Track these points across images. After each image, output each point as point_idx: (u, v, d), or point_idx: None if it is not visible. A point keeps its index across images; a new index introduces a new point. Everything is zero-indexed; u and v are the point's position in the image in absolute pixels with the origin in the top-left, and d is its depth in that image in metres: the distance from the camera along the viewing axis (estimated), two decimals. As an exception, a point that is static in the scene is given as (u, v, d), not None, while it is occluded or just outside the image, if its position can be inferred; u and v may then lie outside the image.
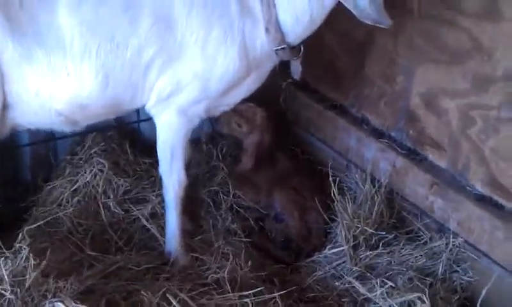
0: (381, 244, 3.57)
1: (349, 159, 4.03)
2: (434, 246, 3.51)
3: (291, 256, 3.75)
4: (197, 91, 3.28)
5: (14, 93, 3.04)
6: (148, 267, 3.40)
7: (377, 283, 3.26)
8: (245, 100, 3.80)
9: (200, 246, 3.62)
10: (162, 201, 3.59)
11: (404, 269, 3.43)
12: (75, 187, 3.71)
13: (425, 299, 3.11)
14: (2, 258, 2.81)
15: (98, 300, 3.03)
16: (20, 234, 3.04)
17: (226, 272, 3.27)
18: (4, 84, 2.99)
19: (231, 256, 3.41)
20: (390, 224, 3.69)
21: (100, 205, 3.69)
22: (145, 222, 3.68)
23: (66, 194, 3.69)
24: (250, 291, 3.12)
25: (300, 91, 4.40)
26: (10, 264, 2.80)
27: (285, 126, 4.44)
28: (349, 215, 3.56)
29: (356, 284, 3.29)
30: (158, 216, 3.74)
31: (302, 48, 3.40)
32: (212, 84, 3.28)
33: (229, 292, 3.14)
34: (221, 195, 3.99)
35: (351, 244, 3.52)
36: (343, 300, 3.35)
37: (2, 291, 2.71)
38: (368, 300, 3.26)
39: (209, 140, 4.31)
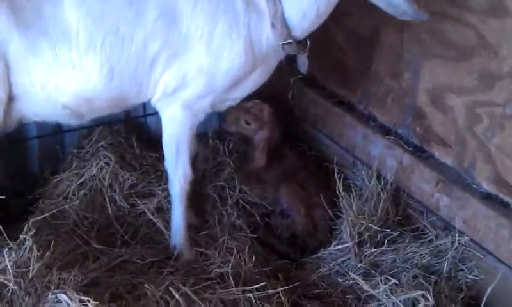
0: (386, 241, 3.56)
1: (356, 156, 4.02)
2: (440, 244, 3.49)
3: (296, 252, 3.75)
4: (202, 85, 3.29)
5: (20, 84, 3.06)
6: (152, 260, 3.42)
7: (381, 280, 3.26)
8: (252, 97, 3.83)
9: (205, 241, 3.63)
10: (168, 195, 3.61)
11: (409, 267, 3.42)
12: (81, 180, 3.73)
13: (429, 297, 3.10)
14: (6, 249, 2.83)
15: (102, 292, 3.06)
16: (26, 226, 3.04)
17: (230, 267, 3.29)
18: (10, 75, 3.02)
19: (235, 251, 3.41)
20: (395, 221, 3.68)
21: (106, 199, 3.71)
22: (151, 216, 3.70)
23: (72, 187, 3.71)
24: (253, 286, 3.13)
25: (308, 88, 4.40)
26: (14, 255, 2.81)
27: (293, 123, 4.44)
28: (353, 212, 3.55)
29: (360, 281, 3.28)
30: (164, 210, 3.75)
31: (308, 43, 3.39)
32: (218, 79, 3.29)
33: (232, 287, 3.15)
34: (228, 190, 4.00)
35: (356, 241, 3.51)
36: (347, 297, 3.34)
37: (6, 282, 2.73)
38: (371, 297, 3.25)
39: (216, 135, 4.31)
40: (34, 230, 3.00)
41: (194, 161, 3.82)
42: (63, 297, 2.69)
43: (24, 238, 2.90)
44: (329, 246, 3.67)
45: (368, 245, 3.53)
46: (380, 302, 3.19)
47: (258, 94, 3.91)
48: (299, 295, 3.32)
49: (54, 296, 2.72)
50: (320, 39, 4.03)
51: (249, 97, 3.83)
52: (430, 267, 3.43)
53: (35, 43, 3.00)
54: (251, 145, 4.09)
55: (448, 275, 3.39)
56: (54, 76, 3.06)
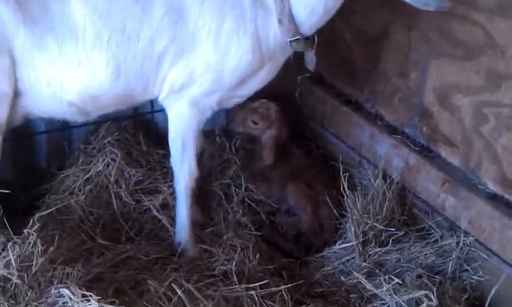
0: (390, 241, 3.55)
1: (362, 155, 4.02)
2: (445, 244, 3.48)
3: (300, 251, 3.75)
4: (209, 82, 3.29)
5: (26, 79, 3.07)
6: (157, 257, 3.43)
7: (385, 279, 3.25)
8: (260, 95, 3.83)
9: (209, 238, 3.63)
10: (174, 192, 3.61)
11: (413, 267, 3.41)
12: (87, 175, 3.74)
13: (432, 297, 3.09)
14: (11, 243, 2.84)
15: (106, 288, 3.07)
16: (31, 220, 3.06)
17: (233, 265, 3.29)
18: (16, 70, 3.03)
19: (239, 249, 3.42)
20: (400, 221, 3.67)
21: (112, 195, 3.72)
22: (156, 213, 3.71)
23: (78, 183, 3.72)
24: (257, 284, 3.13)
25: (316, 86, 4.40)
26: (18, 249, 2.83)
27: (300, 121, 4.44)
28: (358, 211, 3.54)
29: (363, 280, 3.27)
30: (169, 207, 3.75)
31: (316, 39, 3.38)
32: (225, 76, 3.29)
33: (236, 284, 3.15)
34: (233, 188, 3.99)
35: (360, 240, 3.50)
36: (351, 296, 3.34)
37: (9, 276, 2.75)
38: (375, 296, 3.25)
39: (223, 132, 4.31)
40: (39, 225, 3.01)
41: (200, 158, 3.82)
42: (65, 291, 2.72)
43: (28, 233, 2.90)
44: (334, 245, 3.66)
45: (372, 244, 3.53)
46: (383, 302, 3.18)
47: (266, 93, 3.91)
48: (303, 294, 3.32)
49: (56, 291, 2.74)
50: (328, 37, 4.04)
51: (257, 96, 3.84)
52: (434, 267, 3.42)
53: (41, 39, 3.01)
54: (259, 144, 4.09)
55: (453, 275, 3.38)
56: (59, 72, 3.07)
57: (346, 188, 3.63)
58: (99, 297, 2.70)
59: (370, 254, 3.49)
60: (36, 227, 2.94)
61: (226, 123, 4.33)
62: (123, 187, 3.77)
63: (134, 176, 3.82)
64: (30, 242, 2.87)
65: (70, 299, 2.69)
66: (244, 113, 4.03)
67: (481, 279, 3.34)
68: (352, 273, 3.42)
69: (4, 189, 3.12)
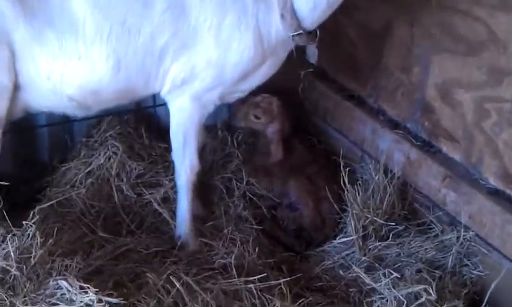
0: (391, 235, 3.55)
1: (364, 150, 4.01)
2: (445, 239, 3.48)
3: (301, 245, 3.75)
4: (211, 78, 3.29)
5: (25, 73, 3.07)
6: (157, 250, 3.43)
7: (384, 273, 3.25)
8: (262, 90, 3.83)
9: (210, 232, 3.64)
10: (175, 185, 3.61)
11: (413, 261, 3.41)
12: (88, 169, 3.74)
13: (431, 291, 3.09)
14: (10, 235, 2.85)
15: (106, 280, 3.08)
16: (31, 213, 3.07)
17: (233, 258, 3.29)
18: (15, 64, 3.03)
19: (239, 242, 3.42)
20: (401, 215, 3.67)
21: (113, 188, 3.72)
22: (157, 206, 3.71)
23: (80, 176, 3.72)
24: (255, 277, 3.13)
25: (318, 81, 4.39)
26: (17, 241, 2.84)
27: (303, 116, 4.43)
28: (358, 205, 3.53)
29: (362, 274, 3.27)
30: (170, 201, 3.76)
31: (318, 33, 3.36)
32: (227, 71, 3.28)
33: (235, 277, 3.15)
34: (235, 182, 3.99)
35: (361, 234, 3.51)
36: (350, 290, 3.34)
37: (8, 268, 2.75)
38: (374, 290, 3.25)
39: (225, 127, 4.31)
40: (38, 217, 3.01)
41: (202, 152, 3.82)
42: (63, 283, 2.72)
43: (27, 225, 2.91)
44: (335, 239, 3.66)
45: (373, 238, 3.53)
46: (382, 296, 3.18)
47: (268, 88, 3.91)
48: (302, 287, 3.32)
49: (55, 282, 2.74)
50: (331, 33, 4.05)
51: (260, 90, 3.84)
52: (435, 262, 3.42)
53: (41, 32, 3.01)
54: (263, 138, 4.08)
55: (453, 270, 3.38)
56: (59, 66, 3.07)
57: (347, 182, 3.63)
58: (97, 289, 2.70)
59: (370, 249, 3.49)
60: (35, 219, 2.94)
61: (228, 117, 4.33)
62: (125, 180, 3.77)
63: (136, 169, 3.82)
64: (29, 234, 2.87)
65: (68, 290, 2.70)
66: (246, 108, 4.03)
67: (481, 274, 3.34)
68: (352, 267, 3.41)
69: (6, 182, 3.13)
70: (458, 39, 3.43)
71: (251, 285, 3.08)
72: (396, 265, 3.40)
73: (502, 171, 3.29)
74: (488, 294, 3.18)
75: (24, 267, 2.79)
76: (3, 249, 2.82)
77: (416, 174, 3.68)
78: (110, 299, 2.71)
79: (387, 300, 3.14)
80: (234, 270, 3.20)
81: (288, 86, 4.31)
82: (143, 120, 4.18)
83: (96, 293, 2.69)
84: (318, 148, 4.28)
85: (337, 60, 4.30)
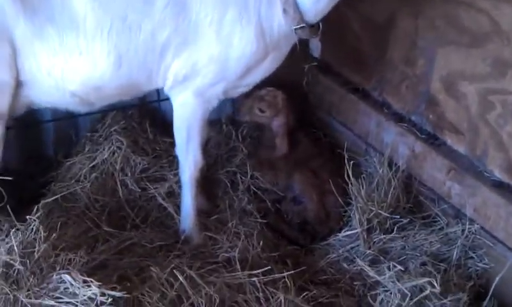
0: (395, 228, 3.54)
1: (369, 143, 4.00)
2: (450, 232, 3.47)
3: (306, 239, 3.74)
4: (213, 73, 3.28)
5: (27, 69, 3.07)
6: (161, 244, 3.44)
7: (388, 266, 3.24)
8: (267, 84, 3.83)
9: (215, 225, 3.64)
10: (180, 180, 3.61)
11: (418, 254, 3.40)
12: (93, 163, 3.75)
13: (435, 284, 3.08)
14: (13, 230, 2.86)
15: (110, 274, 3.09)
16: (35, 207, 3.07)
17: (237, 252, 3.29)
18: (17, 60, 3.04)
19: (243, 236, 3.42)
20: (406, 208, 3.65)
21: (118, 182, 3.73)
22: (161, 201, 3.72)
23: (84, 171, 3.73)
24: (259, 270, 3.13)
25: (323, 75, 4.38)
26: (21, 236, 2.85)
27: (307, 110, 4.43)
28: (363, 198, 3.52)
29: (366, 267, 3.27)
30: (175, 195, 3.76)
31: (321, 26, 3.34)
32: (229, 67, 3.27)
33: (239, 271, 3.15)
34: (239, 176, 3.99)
35: (365, 227, 3.50)
36: (355, 283, 3.34)
37: (12, 262, 2.77)
38: (378, 283, 3.24)
39: (230, 121, 4.30)
40: (42, 212, 3.03)
41: (206, 147, 3.83)
42: (66, 277, 2.73)
43: (31, 219, 2.92)
44: (339, 232, 3.66)
45: (377, 232, 3.52)
46: (386, 289, 3.17)
47: (273, 81, 3.91)
48: (306, 281, 3.32)
49: (58, 276, 2.75)
50: (336, 26, 4.03)
51: (264, 84, 3.84)
52: (439, 255, 3.41)
53: (42, 28, 3.00)
54: (268, 132, 4.08)
55: (458, 263, 3.37)
56: (60, 61, 3.06)
57: (351, 176, 3.61)
58: (100, 283, 2.71)
59: (374, 242, 3.48)
60: (39, 214, 2.95)
61: (232, 112, 4.32)
62: (129, 174, 3.78)
63: (140, 164, 3.83)
64: (33, 229, 2.88)
65: (71, 284, 2.71)
66: (250, 101, 4.02)
67: (486, 266, 3.32)
68: (356, 261, 3.41)
69: (11, 177, 3.14)
70: (462, 31, 3.41)
71: (255, 278, 3.08)
72: (401, 258, 3.39)
73: (507, 163, 3.28)
74: (492, 287, 3.18)
75: (28, 261, 2.80)
76: (7, 243, 2.82)
77: (421, 167, 3.67)
78: (113, 293, 2.72)
79: (391, 293, 3.13)
80: (238, 263, 3.20)
81: (292, 79, 4.30)
82: (147, 115, 4.19)
83: (99, 286, 2.70)
84: (323, 142, 4.28)
85: (342, 53, 4.28)
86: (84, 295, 2.68)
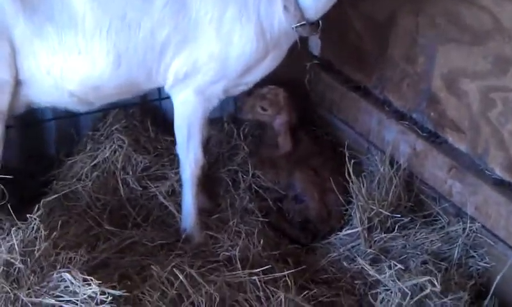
0: (396, 227, 3.53)
1: (370, 141, 3.99)
2: (451, 230, 3.46)
3: (307, 237, 3.74)
4: (213, 72, 3.28)
5: (26, 68, 3.07)
6: (162, 243, 3.44)
7: (388, 265, 3.23)
8: (269, 82, 3.83)
9: (216, 224, 3.64)
10: (181, 178, 3.61)
11: (419, 253, 3.40)
12: (94, 162, 3.75)
13: (436, 283, 3.07)
14: (14, 228, 2.86)
15: (111, 273, 3.09)
16: (36, 206, 3.08)
17: (237, 250, 3.29)
18: (16, 59, 3.04)
19: (243, 234, 3.42)
20: (407, 207, 3.65)
21: (119, 181, 3.73)
22: (162, 200, 3.72)
23: (85, 169, 3.73)
24: (260, 269, 3.13)
25: (324, 73, 4.37)
26: (21, 234, 2.85)
27: (309, 108, 4.42)
28: (363, 197, 3.52)
29: (366, 266, 3.27)
30: (176, 193, 3.76)
31: (321, 23, 3.33)
32: (229, 65, 3.27)
33: (239, 270, 3.15)
34: (241, 174, 3.99)
35: (366, 226, 3.49)
36: (356, 282, 3.34)
37: (12, 260, 2.77)
38: (379, 282, 3.24)
39: (231, 119, 4.30)
40: (44, 211, 3.02)
41: (207, 145, 3.83)
42: (66, 276, 2.73)
43: (32, 218, 2.92)
44: (340, 231, 3.66)
45: (378, 230, 3.51)
46: (387, 288, 3.17)
47: (275, 79, 3.91)
48: (307, 280, 3.32)
49: (58, 275, 2.75)
50: (337, 24, 4.03)
51: (266, 82, 3.84)
52: (440, 254, 3.41)
53: (41, 27, 3.00)
54: (270, 131, 4.07)
55: (459, 262, 3.37)
56: (59, 60, 3.06)
57: (352, 174, 3.60)
58: (100, 281, 2.71)
59: (375, 241, 3.48)
60: (39, 212, 2.94)
61: (234, 110, 4.32)
62: (130, 173, 3.78)
63: (141, 162, 3.83)
64: (33, 227, 2.88)
65: (72, 283, 2.71)
66: (252, 100, 4.02)
67: (487, 265, 3.32)
68: (357, 259, 3.40)
69: (13, 176, 3.15)
70: (463, 29, 3.40)
71: (255, 277, 3.08)
72: (401, 257, 3.39)
73: (508, 161, 3.27)
74: (493, 285, 3.18)
75: (28, 259, 2.80)
76: (8, 242, 2.82)
77: (422, 165, 3.66)
78: (113, 291, 2.72)
79: (391, 292, 3.13)
80: (239, 262, 3.20)
81: (294, 77, 4.30)
82: (148, 113, 4.18)
83: (99, 285, 2.70)
84: (324, 140, 4.27)
85: (343, 51, 4.28)
86: (84, 294, 2.67)
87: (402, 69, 3.84)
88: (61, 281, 2.74)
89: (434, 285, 3.06)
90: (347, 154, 3.65)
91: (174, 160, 3.87)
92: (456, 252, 3.37)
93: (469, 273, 3.34)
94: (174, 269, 3.00)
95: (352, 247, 3.52)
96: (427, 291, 3.06)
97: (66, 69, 3.09)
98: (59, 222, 3.13)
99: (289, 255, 3.50)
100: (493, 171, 3.36)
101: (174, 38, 3.14)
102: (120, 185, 3.73)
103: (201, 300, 2.90)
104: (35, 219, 2.90)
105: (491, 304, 3.20)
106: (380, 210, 3.50)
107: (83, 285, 2.70)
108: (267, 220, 3.75)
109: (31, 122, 3.94)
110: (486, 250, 3.35)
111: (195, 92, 3.35)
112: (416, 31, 3.69)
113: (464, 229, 3.41)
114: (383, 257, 3.38)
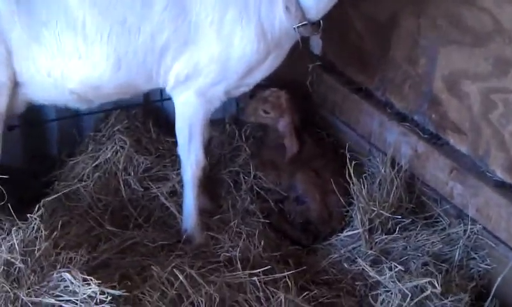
0: (397, 229, 3.53)
1: (372, 143, 3.99)
2: (452, 232, 3.46)
3: (308, 239, 3.74)
4: (214, 73, 3.28)
5: (25, 71, 3.10)
6: (163, 243, 3.45)
7: (389, 267, 3.23)
8: (271, 84, 3.83)
9: (217, 225, 3.64)
10: (182, 179, 3.62)
11: (420, 255, 3.39)
12: (96, 163, 3.77)
13: (436, 284, 3.07)
14: (14, 228, 2.87)
15: (112, 273, 3.10)
16: (37, 206, 3.09)
17: (238, 251, 3.30)
18: (13, 62, 3.06)
19: (244, 235, 3.42)
20: (408, 209, 3.65)
21: (121, 182, 3.74)
22: (164, 200, 3.72)
23: (87, 170, 3.75)
24: (260, 270, 3.13)
25: (327, 74, 4.37)
26: (22, 234, 2.86)
27: (311, 109, 4.42)
28: (364, 199, 3.52)
29: (367, 267, 3.26)
30: (177, 194, 3.77)
31: (322, 23, 3.32)
32: (230, 67, 3.27)
33: (240, 270, 3.15)
34: (242, 176, 3.99)
35: (367, 228, 3.49)
36: (356, 283, 3.34)
37: (13, 260, 2.77)
38: (379, 283, 3.23)
39: (233, 121, 4.31)
40: (44, 210, 3.03)
41: (209, 146, 3.83)
42: (66, 275, 2.74)
43: (32, 218, 2.93)
44: (342, 233, 3.66)
45: (379, 232, 3.51)
46: (387, 289, 3.16)
47: (277, 81, 3.92)
48: (308, 281, 3.32)
49: (58, 275, 2.76)
50: (339, 25, 4.04)
51: (268, 84, 3.85)
52: (441, 255, 3.40)
53: (37, 32, 3.02)
54: (273, 133, 4.08)
55: (460, 263, 3.37)
56: (59, 64, 3.09)
57: (353, 176, 3.60)
58: (99, 281, 2.72)
59: (376, 242, 3.47)
60: (40, 212, 2.95)
61: (236, 111, 4.33)
62: (132, 174, 3.80)
63: (143, 163, 3.85)
64: (34, 227, 2.89)
65: (72, 283, 2.72)
66: (255, 103, 4.03)
67: (488, 267, 3.32)
68: (358, 261, 3.40)
69: (15, 176, 3.16)
70: (465, 31, 3.40)
71: (256, 278, 3.08)
72: (402, 259, 3.38)
73: (509, 163, 3.27)
74: (494, 287, 3.17)
75: (29, 259, 2.81)
76: (8, 241, 2.83)
77: (424, 166, 3.66)
78: (112, 291, 2.73)
79: (392, 293, 3.12)
80: (239, 263, 3.20)
81: (296, 79, 4.31)
82: (150, 114, 4.20)
83: (98, 285, 2.70)
84: (326, 142, 4.27)
85: (345, 53, 4.28)
86: (84, 294, 2.68)
87: (404, 70, 3.84)
88: (61, 281, 2.75)
89: (434, 286, 3.06)
90: (348, 156, 3.64)
91: (175, 161, 3.88)
92: (457, 253, 3.37)
93: (470, 275, 3.33)
94: (174, 270, 3.00)
95: (353, 248, 3.52)
96: (428, 292, 3.06)
97: (67, 71, 3.11)
98: (60, 222, 3.13)
99: (290, 256, 3.51)
100: (494, 173, 3.35)
101: (174, 41, 3.15)
102: (122, 185, 3.74)
103: (201, 301, 2.90)
104: (35, 218, 2.91)
105: (491, 306, 3.18)
106: (381, 211, 3.50)
107: (83, 285, 2.71)
108: (268, 221, 3.75)
109: (33, 122, 3.96)
110: (487, 252, 3.34)
111: (196, 94, 3.36)
112: (417, 32, 3.69)
113: (465, 231, 3.40)
114: (383, 258, 3.38)
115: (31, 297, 2.69)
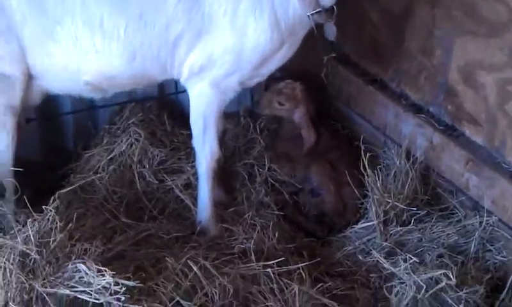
0: (412, 220, 3.52)
1: (387, 134, 3.97)
2: (468, 224, 3.44)
3: (323, 231, 3.74)
4: (229, 64, 3.29)
5: (38, 64, 3.14)
6: (177, 235, 3.46)
7: (404, 258, 3.22)
8: (284, 76, 3.82)
9: (231, 217, 3.65)
10: (197, 171, 3.62)
11: (435, 246, 3.38)
12: (111, 155, 3.79)
13: (451, 276, 3.05)
14: (30, 220, 2.89)
15: (127, 265, 3.12)
16: (52, 198, 3.11)
17: (252, 243, 3.30)
18: (27, 57, 3.10)
19: (258, 227, 3.42)
20: (424, 200, 3.62)
21: (135, 174, 3.76)
22: (178, 193, 3.73)
23: (102, 163, 3.77)
24: (274, 261, 3.13)
25: (342, 66, 4.34)
26: (37, 226, 2.88)
27: (326, 101, 4.40)
28: (379, 190, 3.50)
29: (381, 259, 3.25)
30: (192, 187, 3.78)
31: (335, 9, 3.30)
32: (245, 57, 3.27)
33: (254, 262, 3.16)
34: (257, 168, 3.99)
35: (381, 219, 3.47)
36: (371, 275, 3.34)
37: (28, 251, 2.79)
38: (394, 275, 3.22)
39: (248, 113, 4.31)
40: (59, 202, 3.04)
41: (223, 139, 3.84)
42: (81, 266, 2.75)
43: (47, 210, 2.95)
44: (356, 224, 3.65)
45: (394, 224, 3.50)
46: (402, 281, 3.15)
47: (291, 73, 3.91)
48: (322, 272, 3.32)
49: (73, 266, 2.77)
50: (354, 17, 4.01)
51: (283, 76, 3.83)
52: (457, 247, 3.38)
53: (51, 30, 3.06)
54: (288, 125, 4.06)
55: (476, 255, 3.35)
56: (75, 59, 3.13)
57: (368, 168, 3.58)
58: (114, 272, 2.73)
59: (391, 234, 3.46)
60: (55, 204, 2.97)
61: (250, 104, 4.33)
62: (147, 166, 3.81)
63: (158, 156, 3.86)
64: (49, 219, 2.91)
65: (86, 274, 2.73)
66: (269, 95, 4.02)
67: (504, 259, 3.29)
68: (372, 252, 3.39)
69: (32, 169, 3.18)
70: (480, 21, 3.37)
71: (269, 269, 3.08)
72: (417, 251, 3.37)
73: (525, 154, 3.25)
74: (510, 279, 3.15)
75: (44, 250, 2.82)
76: (23, 233, 2.85)
77: (439, 158, 3.64)
78: (127, 282, 2.74)
79: (406, 285, 3.11)
80: (253, 255, 3.21)
81: (311, 71, 4.29)
82: (165, 107, 4.21)
83: (113, 276, 2.71)
84: (341, 134, 4.25)
85: (360, 44, 4.25)
86: (99, 284, 2.69)
87: (419, 62, 3.81)
88: (75, 272, 2.76)
89: (449, 278, 3.04)
90: (363, 148, 3.62)
91: (190, 154, 3.88)
92: (473, 245, 3.35)
93: (486, 267, 3.31)
94: (188, 261, 3.01)
95: (368, 240, 3.51)
96: (443, 284, 3.04)
97: (83, 64, 3.15)
98: (75, 214, 3.14)
99: (304, 248, 3.51)
100: (510, 164, 3.33)
101: (187, 32, 3.16)
102: (137, 178, 3.76)
103: (215, 292, 2.91)
104: (51, 210, 2.92)
105: (507, 298, 3.16)
106: (396, 203, 3.48)
107: (97, 276, 2.72)
108: (282, 213, 3.75)
109: (50, 116, 4.00)
110: (502, 244, 3.32)
111: (211, 84, 3.36)
112: (432, 23, 3.67)
113: (480, 222, 3.38)
114: (398, 250, 3.36)
115: (46, 287, 2.71)
